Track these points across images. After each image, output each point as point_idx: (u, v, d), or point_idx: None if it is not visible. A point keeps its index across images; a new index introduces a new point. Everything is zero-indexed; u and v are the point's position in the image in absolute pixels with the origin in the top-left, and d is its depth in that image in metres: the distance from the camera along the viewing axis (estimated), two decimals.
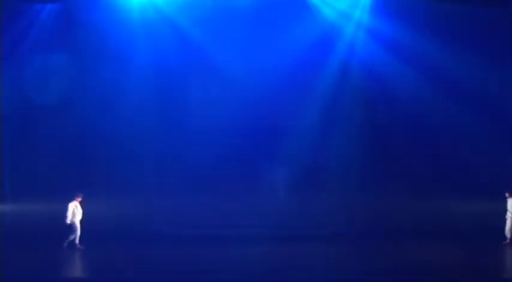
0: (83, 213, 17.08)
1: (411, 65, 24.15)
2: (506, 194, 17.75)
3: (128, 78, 24.23)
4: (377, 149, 24.28)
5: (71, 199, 17.00)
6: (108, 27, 23.85)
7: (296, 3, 24.25)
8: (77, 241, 17.05)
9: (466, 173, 23.44)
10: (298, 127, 24.51)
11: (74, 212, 16.98)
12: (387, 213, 20.80)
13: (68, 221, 16.95)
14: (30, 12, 24.08)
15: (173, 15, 24.09)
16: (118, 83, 23.92)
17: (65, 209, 16.85)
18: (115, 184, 23.05)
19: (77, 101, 24.08)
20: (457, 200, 21.76)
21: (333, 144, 24.50)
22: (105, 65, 23.66)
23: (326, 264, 15.63)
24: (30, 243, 17.19)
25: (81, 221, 17.00)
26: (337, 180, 23.53)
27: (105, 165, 24.20)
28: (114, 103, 24.00)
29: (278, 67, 24.32)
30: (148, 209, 21.40)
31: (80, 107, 24.10)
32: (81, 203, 17.16)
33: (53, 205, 18.78)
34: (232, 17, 24.02)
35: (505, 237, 17.40)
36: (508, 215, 17.48)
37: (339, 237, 18.41)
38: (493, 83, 24.10)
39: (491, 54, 23.95)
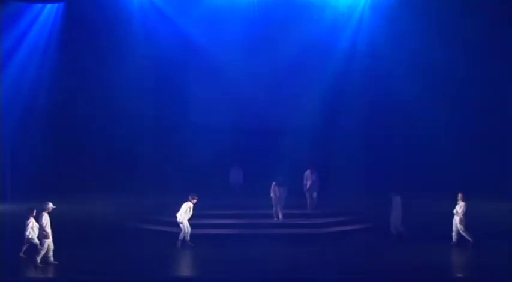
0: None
1: (413, 65, 24.02)
2: (392, 193, 18.40)
3: (128, 77, 24.15)
4: (377, 149, 24.19)
5: (186, 199, 17.88)
6: (108, 26, 23.74)
7: (295, 2, 24.16)
8: (188, 238, 17.82)
9: (467, 173, 23.39)
10: (298, 128, 24.48)
11: (186, 212, 17.76)
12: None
13: (179, 219, 17.77)
14: (31, 11, 24.01)
15: (173, 13, 24.01)
16: (118, 82, 23.83)
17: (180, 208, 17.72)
18: (115, 184, 23.02)
19: (77, 101, 24.01)
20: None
21: (334, 145, 24.43)
22: (105, 64, 23.54)
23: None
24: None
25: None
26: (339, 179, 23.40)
27: (106, 165, 24.14)
28: (114, 103, 23.91)
29: (278, 67, 24.37)
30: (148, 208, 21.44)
31: (79, 107, 24.05)
32: (195, 204, 17.94)
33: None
34: (232, 15, 24.03)
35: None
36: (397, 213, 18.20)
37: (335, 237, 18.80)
38: (496, 84, 24.04)
39: (497, 54, 23.96)
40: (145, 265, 15.95)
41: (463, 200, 17.68)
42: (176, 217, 17.94)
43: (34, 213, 15.88)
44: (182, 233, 17.85)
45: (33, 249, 15.72)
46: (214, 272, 15.41)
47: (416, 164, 24.11)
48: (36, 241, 15.76)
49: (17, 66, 23.84)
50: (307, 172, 20.90)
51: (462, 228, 17.55)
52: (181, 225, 17.88)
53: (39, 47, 24.27)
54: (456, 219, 17.73)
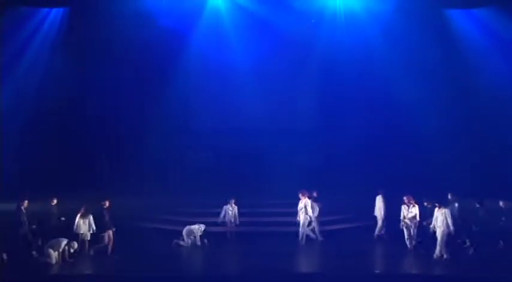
0: None
1: (411, 68, 24.06)
2: (307, 194, 18.81)
3: (131, 80, 24.48)
4: (377, 149, 24.33)
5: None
6: (112, 30, 23.95)
7: (293, 6, 24.30)
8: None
9: (467, 174, 23.48)
10: (298, 128, 24.71)
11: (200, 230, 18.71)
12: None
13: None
14: (35, 15, 24.30)
15: (174, 18, 24.22)
16: (121, 86, 24.10)
17: None
18: (115, 184, 23.30)
19: (78, 102, 24.29)
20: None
21: (334, 145, 24.62)
22: (109, 68, 23.79)
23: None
24: None
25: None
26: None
27: (106, 165, 24.41)
28: (116, 106, 24.17)
29: (277, 69, 24.61)
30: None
31: (81, 108, 24.32)
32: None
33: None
34: (231, 17, 24.28)
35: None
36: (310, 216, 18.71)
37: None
38: (496, 84, 24.09)
39: (496, 56, 23.94)
40: (151, 261, 16.50)
41: (410, 203, 17.64)
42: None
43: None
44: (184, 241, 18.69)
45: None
46: (216, 269, 15.96)
47: (416, 165, 24.16)
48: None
49: (22, 70, 24.01)
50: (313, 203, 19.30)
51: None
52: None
53: (43, 52, 24.41)
54: (404, 223, 17.72)
